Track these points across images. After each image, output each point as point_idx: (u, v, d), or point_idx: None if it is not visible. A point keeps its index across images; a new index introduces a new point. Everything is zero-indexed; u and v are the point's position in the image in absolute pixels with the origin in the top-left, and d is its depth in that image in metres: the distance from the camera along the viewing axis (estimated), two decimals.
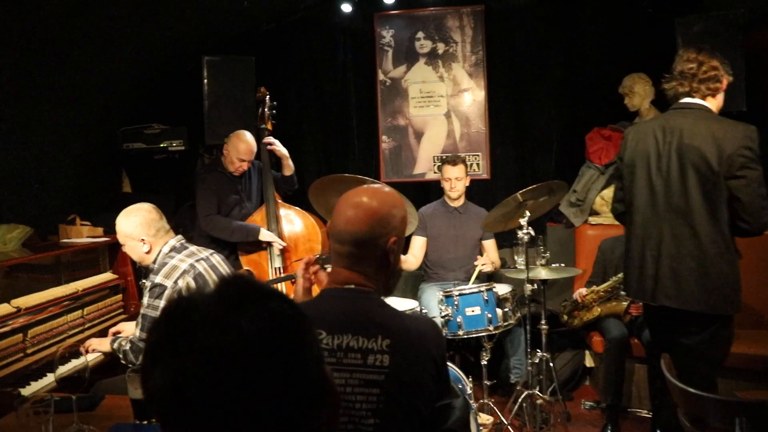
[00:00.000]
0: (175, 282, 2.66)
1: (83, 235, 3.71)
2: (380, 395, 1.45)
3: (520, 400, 3.53)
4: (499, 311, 3.46)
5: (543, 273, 3.61)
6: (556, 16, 4.89)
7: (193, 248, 2.85)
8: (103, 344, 2.91)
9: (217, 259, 2.91)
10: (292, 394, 0.75)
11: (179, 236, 2.88)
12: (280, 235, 4.00)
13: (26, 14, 3.11)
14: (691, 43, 3.76)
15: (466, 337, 3.44)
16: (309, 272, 2.00)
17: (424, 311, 3.54)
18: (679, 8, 4.19)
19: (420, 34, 5.12)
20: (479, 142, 5.10)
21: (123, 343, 2.78)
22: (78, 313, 3.12)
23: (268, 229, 3.97)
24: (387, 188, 1.72)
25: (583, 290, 3.93)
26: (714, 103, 2.64)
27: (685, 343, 2.61)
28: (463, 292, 3.44)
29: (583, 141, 4.68)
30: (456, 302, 3.41)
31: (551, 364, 3.69)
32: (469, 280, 3.97)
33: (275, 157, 4.24)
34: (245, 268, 4.00)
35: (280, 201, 4.15)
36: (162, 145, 4.51)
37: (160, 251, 2.77)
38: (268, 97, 4.25)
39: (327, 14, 5.10)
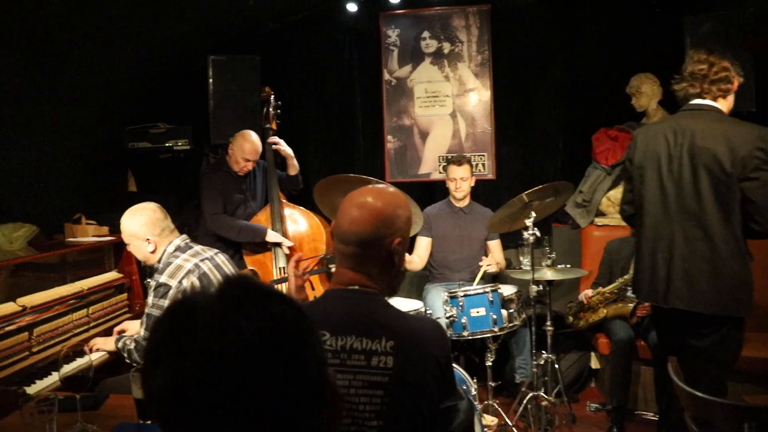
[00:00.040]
0: (180, 282, 2.66)
1: (88, 234, 3.72)
2: (384, 397, 1.44)
3: (525, 401, 3.52)
4: (504, 312, 3.44)
5: (548, 274, 3.60)
6: (562, 16, 4.87)
7: (197, 248, 2.85)
8: (107, 343, 2.92)
9: (221, 258, 2.91)
10: (293, 396, 0.74)
11: (184, 235, 2.88)
12: (285, 235, 3.99)
13: (31, 14, 3.12)
14: (699, 42, 3.74)
15: (470, 338, 3.43)
16: (299, 269, 2.01)
17: (428, 312, 3.53)
18: (687, 7, 4.16)
19: (426, 34, 5.10)
20: (485, 142, 5.08)
21: (127, 342, 2.79)
22: (83, 311, 3.13)
23: (273, 229, 3.96)
24: (392, 188, 1.71)
25: (589, 291, 3.91)
26: (725, 105, 2.62)
27: (696, 345, 2.59)
28: (468, 292, 3.43)
29: (589, 141, 4.65)
30: (461, 303, 3.40)
31: (556, 366, 3.68)
32: (474, 280, 3.95)
33: (280, 157, 4.24)
34: (249, 267, 3.99)
35: (284, 201, 4.15)
36: (167, 145, 4.51)
37: (165, 251, 2.77)
38: (272, 96, 4.25)
39: (332, 14, 5.09)
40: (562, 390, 3.70)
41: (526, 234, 3.43)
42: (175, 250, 2.77)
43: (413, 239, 4.16)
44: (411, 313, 3.23)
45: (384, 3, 5.04)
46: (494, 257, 4.14)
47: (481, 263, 3.99)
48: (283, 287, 3.89)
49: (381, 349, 1.46)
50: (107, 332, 3.15)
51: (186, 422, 0.72)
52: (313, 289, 3.41)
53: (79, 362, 2.31)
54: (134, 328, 3.00)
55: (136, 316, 3.41)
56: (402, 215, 1.60)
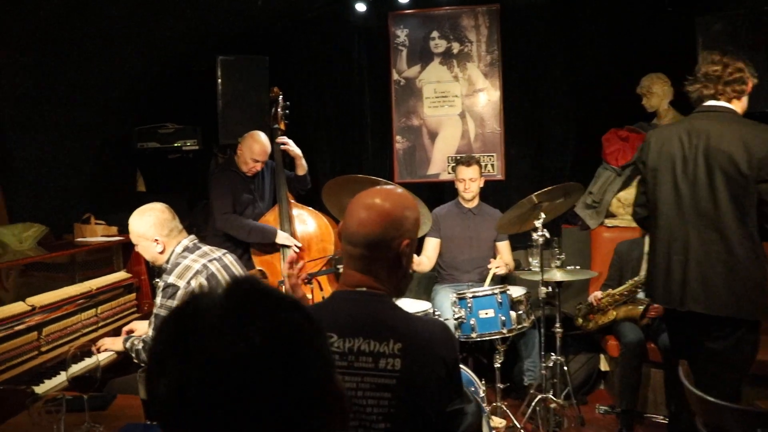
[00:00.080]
0: (188, 282, 2.66)
1: (98, 234, 3.73)
2: (391, 399, 1.44)
3: (533, 403, 3.50)
4: (513, 314, 3.42)
5: (558, 275, 3.58)
6: (572, 16, 4.84)
7: (205, 248, 2.85)
8: (115, 343, 2.92)
9: (229, 259, 2.91)
10: (298, 401, 0.74)
11: (192, 236, 2.88)
12: (293, 235, 3.99)
13: (38, 15, 3.13)
14: (711, 42, 3.70)
15: (479, 339, 3.41)
16: (294, 269, 2.01)
17: (437, 313, 3.52)
18: (699, 7, 4.13)
19: (435, 34, 5.09)
20: (494, 143, 5.06)
21: (135, 342, 2.79)
22: (92, 311, 3.13)
23: (281, 229, 3.96)
24: (400, 189, 1.70)
25: (599, 293, 3.88)
26: (739, 106, 2.61)
27: (711, 348, 2.57)
28: (477, 294, 3.42)
29: (599, 142, 4.62)
30: (469, 304, 3.39)
31: (565, 368, 3.66)
32: (482, 281, 3.94)
33: (288, 157, 4.23)
34: (258, 268, 4.00)
35: (293, 201, 4.14)
36: (176, 145, 4.53)
37: (173, 251, 2.77)
38: (281, 96, 4.24)
39: (341, 13, 5.08)
40: (570, 392, 3.68)
41: (535, 235, 3.42)
42: (184, 251, 2.77)
43: (421, 240, 4.14)
44: (419, 314, 3.24)
45: (393, 3, 5.03)
46: (503, 258, 4.12)
47: (489, 265, 3.97)
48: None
49: (389, 352, 1.46)
50: (116, 332, 3.16)
51: (188, 425, 0.72)
52: (321, 289, 3.41)
53: (86, 362, 2.30)
54: (143, 328, 3.00)
55: (145, 316, 3.42)
56: (410, 217, 1.59)
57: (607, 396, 4.23)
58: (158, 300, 2.69)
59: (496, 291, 3.41)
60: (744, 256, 2.47)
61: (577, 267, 3.85)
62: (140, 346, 2.76)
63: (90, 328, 3.11)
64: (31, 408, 1.83)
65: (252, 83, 4.48)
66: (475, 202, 4.23)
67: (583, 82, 4.85)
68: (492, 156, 5.05)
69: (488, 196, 4.44)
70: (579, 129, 4.89)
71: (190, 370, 0.70)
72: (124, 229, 3.46)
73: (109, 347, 2.93)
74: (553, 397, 3.48)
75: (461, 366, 2.55)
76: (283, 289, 2.52)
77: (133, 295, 3.52)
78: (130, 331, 3.02)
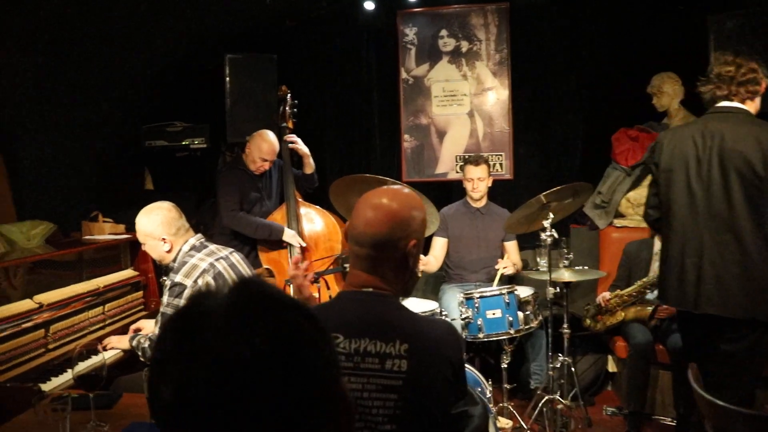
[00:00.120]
0: (195, 281, 2.66)
1: (105, 231, 3.74)
2: (398, 401, 1.43)
3: (540, 404, 3.48)
4: (520, 314, 3.41)
5: (566, 275, 3.56)
6: (582, 14, 4.81)
7: (212, 247, 2.85)
8: (122, 341, 2.93)
9: (236, 258, 2.90)
10: (303, 406, 0.73)
11: (199, 234, 2.88)
12: (300, 234, 3.99)
13: (47, 13, 3.14)
14: (723, 41, 3.68)
15: (486, 340, 3.40)
16: (299, 270, 2.00)
17: (444, 313, 3.50)
18: (711, 5, 4.09)
19: (443, 32, 5.07)
20: (502, 142, 5.04)
21: (142, 340, 2.80)
22: (99, 309, 3.14)
23: (289, 228, 3.96)
24: (407, 190, 1.69)
25: (607, 294, 3.85)
26: (753, 107, 2.60)
27: (725, 350, 2.56)
28: (484, 294, 3.40)
29: (608, 141, 4.59)
30: (477, 305, 3.37)
31: (573, 369, 3.63)
32: (490, 281, 3.92)
33: (296, 156, 4.23)
34: (265, 266, 4.00)
35: (300, 199, 4.14)
36: (184, 143, 4.53)
37: (180, 250, 2.77)
38: (289, 95, 4.24)
39: (349, 12, 5.07)
40: (578, 393, 3.65)
41: (543, 235, 3.40)
42: (191, 250, 2.77)
43: (429, 239, 4.13)
44: (426, 314, 3.23)
45: (402, 1, 5.02)
46: (511, 258, 4.10)
47: (497, 265, 3.95)
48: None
49: (395, 353, 1.45)
50: (123, 330, 3.16)
51: (190, 426, 0.71)
52: (328, 288, 3.40)
53: (93, 360, 2.31)
54: (149, 326, 3.00)
55: (152, 314, 3.42)
56: (417, 217, 1.58)
57: (615, 397, 4.21)
58: (165, 299, 2.69)
59: (504, 291, 3.39)
60: (759, 257, 2.46)
61: (586, 267, 3.83)
62: (147, 344, 2.76)
63: (97, 326, 3.11)
64: (37, 406, 1.83)
65: (260, 81, 4.48)
66: (484, 201, 4.20)
67: (592, 81, 4.82)
68: (500, 155, 5.03)
69: (496, 196, 4.42)
70: (588, 128, 4.86)
71: (194, 371, 0.70)
72: (131, 227, 3.47)
73: (116, 345, 2.93)
74: (560, 398, 3.46)
75: (468, 366, 2.54)
76: (291, 289, 2.52)
77: (140, 293, 3.52)
78: (137, 330, 3.02)
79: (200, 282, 2.66)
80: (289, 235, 3.92)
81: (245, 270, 2.92)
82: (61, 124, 3.76)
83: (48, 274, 2.97)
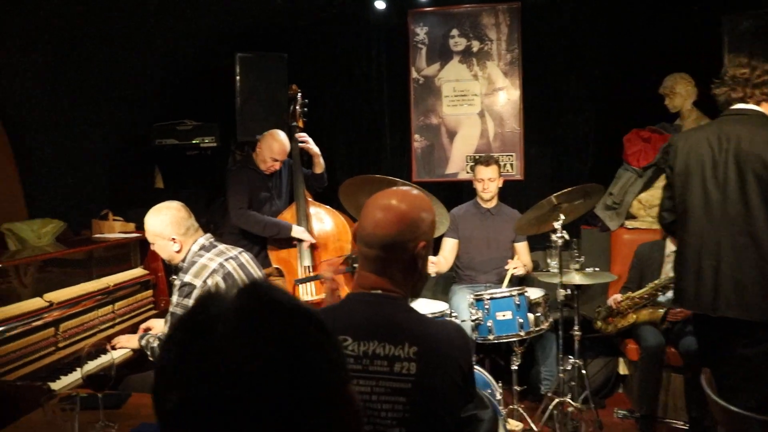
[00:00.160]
0: (205, 281, 2.66)
1: (115, 230, 3.75)
2: (406, 404, 1.42)
3: (550, 407, 3.45)
4: (530, 316, 3.38)
5: (577, 277, 3.53)
6: (593, 14, 4.77)
7: (221, 247, 2.84)
8: (131, 341, 2.93)
9: (246, 257, 2.90)
10: (310, 411, 0.72)
11: (208, 234, 2.87)
12: (310, 234, 3.98)
13: (57, 13, 3.15)
14: (737, 42, 3.64)
15: (496, 341, 3.37)
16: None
17: (453, 314, 3.48)
18: (725, 6, 4.04)
19: (454, 32, 5.04)
20: (513, 143, 5.01)
21: (151, 340, 2.80)
22: (109, 308, 3.14)
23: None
24: (416, 191, 1.68)
25: (618, 296, 3.82)
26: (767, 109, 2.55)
27: (742, 353, 2.53)
28: (495, 295, 3.38)
29: (620, 142, 4.55)
30: (487, 306, 3.35)
31: (583, 371, 3.61)
32: (500, 282, 3.90)
33: (306, 155, 4.22)
34: (274, 266, 3.99)
35: (310, 199, 4.13)
36: (194, 142, 4.54)
37: (190, 250, 2.77)
38: (299, 94, 4.24)
39: (360, 11, 5.06)
40: (588, 396, 3.62)
41: (554, 236, 3.37)
42: (200, 249, 2.77)
43: (439, 240, 4.11)
44: (436, 315, 3.21)
45: (412, 0, 5.00)
46: (521, 259, 4.08)
47: (507, 266, 3.93)
48: (308, 287, 3.88)
49: (404, 355, 1.44)
50: (132, 328, 3.17)
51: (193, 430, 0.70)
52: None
53: (102, 360, 2.31)
54: (159, 326, 3.00)
55: (162, 312, 3.43)
56: (426, 219, 1.57)
57: (626, 400, 4.17)
58: (174, 298, 2.69)
59: (514, 293, 3.37)
60: None
61: (597, 269, 3.79)
62: (156, 344, 2.76)
63: (107, 325, 3.12)
64: (46, 405, 1.83)
65: (270, 80, 4.48)
66: (494, 202, 4.18)
67: (604, 82, 4.78)
68: (511, 156, 5.00)
69: (507, 197, 4.39)
70: (600, 129, 4.82)
71: (200, 378, 0.69)
72: (141, 226, 3.46)
73: (125, 345, 2.94)
74: (570, 400, 3.44)
75: (478, 368, 2.52)
76: (299, 291, 2.51)
77: (149, 292, 3.53)
78: (147, 329, 3.02)
79: (210, 282, 2.65)
80: (298, 231, 3.91)
81: (254, 270, 2.91)
82: (71, 123, 3.78)
83: (58, 273, 2.98)
